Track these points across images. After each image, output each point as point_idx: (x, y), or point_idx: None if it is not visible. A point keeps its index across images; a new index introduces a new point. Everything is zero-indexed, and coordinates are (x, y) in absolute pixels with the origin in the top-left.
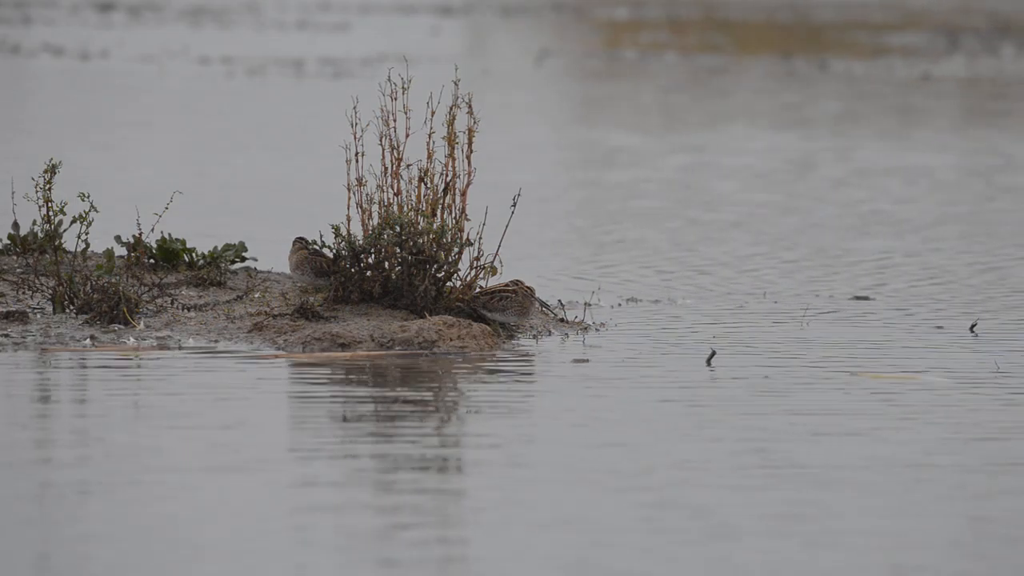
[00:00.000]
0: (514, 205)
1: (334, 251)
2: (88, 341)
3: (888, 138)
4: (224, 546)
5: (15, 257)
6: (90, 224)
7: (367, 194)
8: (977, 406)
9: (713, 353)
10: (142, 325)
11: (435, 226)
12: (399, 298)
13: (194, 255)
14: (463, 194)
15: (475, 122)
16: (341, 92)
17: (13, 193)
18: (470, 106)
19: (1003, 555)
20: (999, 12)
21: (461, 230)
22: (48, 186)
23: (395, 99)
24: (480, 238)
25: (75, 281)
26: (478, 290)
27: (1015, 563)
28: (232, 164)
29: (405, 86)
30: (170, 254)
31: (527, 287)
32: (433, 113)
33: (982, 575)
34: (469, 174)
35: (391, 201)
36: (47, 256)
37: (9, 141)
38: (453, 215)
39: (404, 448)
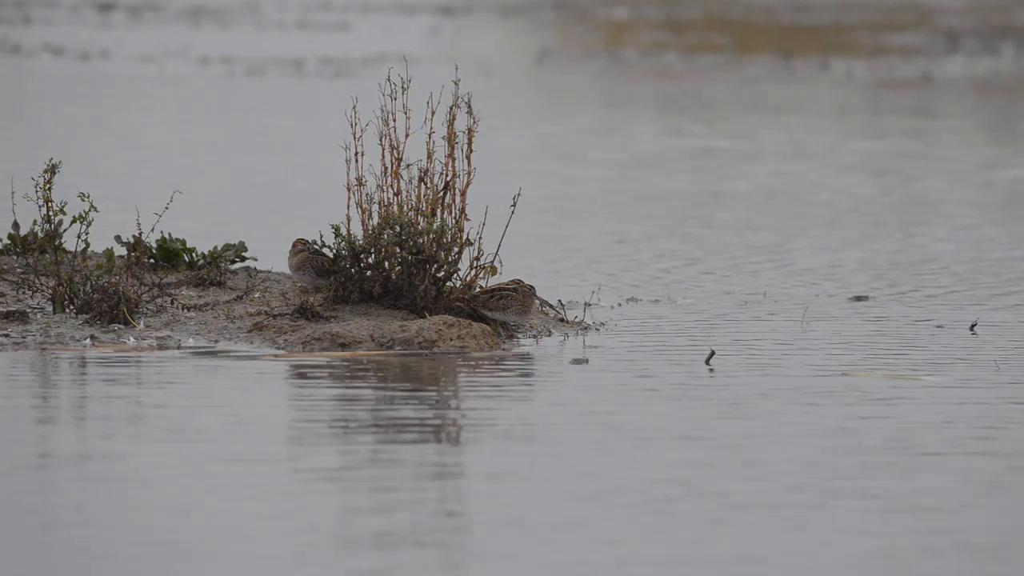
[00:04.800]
0: (514, 205)
1: (334, 251)
2: (88, 341)
3: (892, 136)
4: (223, 545)
5: (15, 257)
6: (90, 224)
7: (367, 194)
8: (977, 406)
9: (712, 353)
10: (142, 325)
11: (435, 226)
12: (399, 298)
13: (194, 255)
14: (463, 194)
15: (475, 122)
16: (341, 92)
17: (13, 193)
18: (470, 106)
19: (1010, 556)
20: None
21: (461, 230)
22: (48, 186)
23: (395, 99)
24: (480, 238)
25: (75, 281)
26: (478, 290)
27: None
28: (232, 164)
29: (405, 86)
30: (170, 254)
31: (527, 286)
32: (433, 113)
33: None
34: (469, 174)
35: (391, 201)
36: (47, 256)
37: (9, 141)
38: (453, 215)
39: (403, 448)
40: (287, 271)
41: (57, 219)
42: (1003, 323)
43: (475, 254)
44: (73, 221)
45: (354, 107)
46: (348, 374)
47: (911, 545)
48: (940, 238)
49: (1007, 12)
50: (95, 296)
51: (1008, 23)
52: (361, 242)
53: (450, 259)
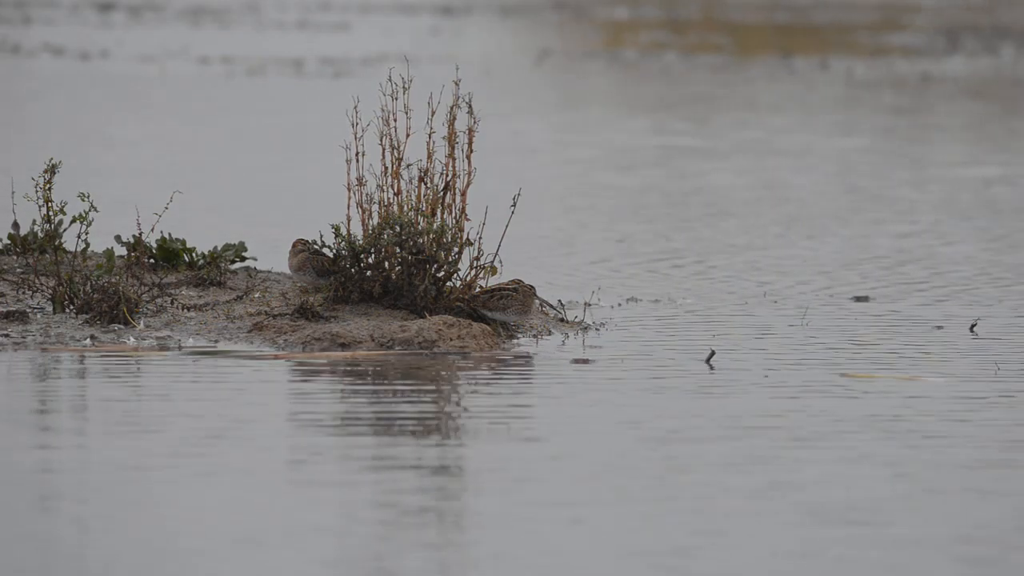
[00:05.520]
0: (514, 205)
1: (334, 251)
2: (88, 341)
3: (894, 138)
4: (223, 546)
5: (15, 257)
6: (90, 224)
7: (367, 194)
8: (977, 406)
9: (712, 353)
10: (142, 325)
11: (435, 226)
12: (399, 298)
13: (194, 255)
14: (463, 194)
15: (475, 122)
16: (341, 92)
17: (13, 193)
18: (470, 106)
19: (1009, 557)
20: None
21: (461, 230)
22: (48, 186)
23: (395, 99)
24: (480, 238)
25: (75, 281)
26: (478, 289)
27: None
28: (232, 164)
29: (406, 86)
30: (170, 254)
31: (527, 286)
32: (433, 113)
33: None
34: (469, 174)
35: (391, 201)
36: (47, 256)
37: (9, 141)
38: (453, 215)
39: (403, 449)
40: (287, 271)
41: (57, 219)
42: (1004, 323)
43: (475, 254)
44: (73, 221)
45: (355, 107)
46: (348, 374)
47: (894, 545)
48: (936, 237)
49: (986, 11)
50: (95, 296)
51: (976, 23)
52: (361, 242)
53: (450, 259)
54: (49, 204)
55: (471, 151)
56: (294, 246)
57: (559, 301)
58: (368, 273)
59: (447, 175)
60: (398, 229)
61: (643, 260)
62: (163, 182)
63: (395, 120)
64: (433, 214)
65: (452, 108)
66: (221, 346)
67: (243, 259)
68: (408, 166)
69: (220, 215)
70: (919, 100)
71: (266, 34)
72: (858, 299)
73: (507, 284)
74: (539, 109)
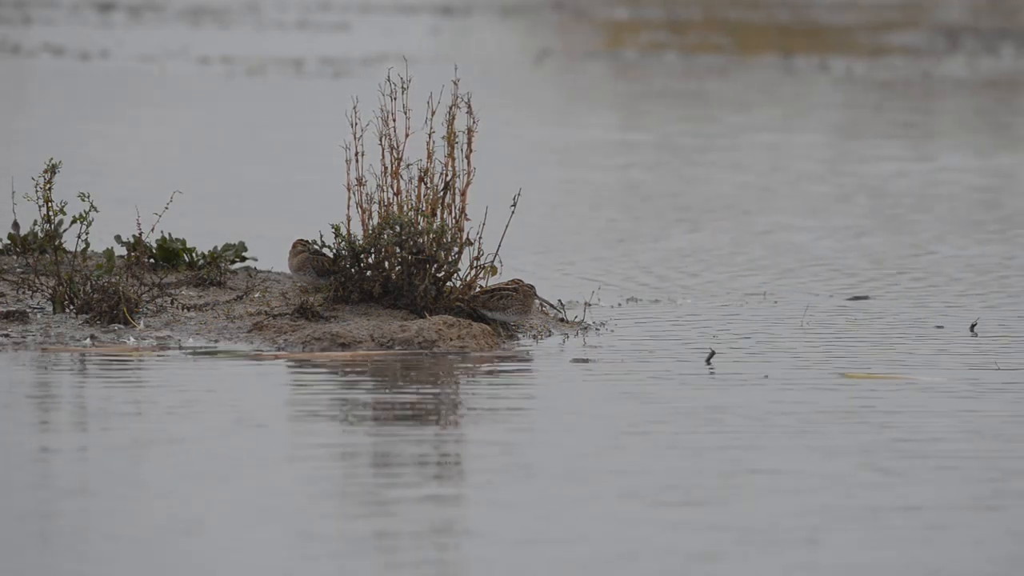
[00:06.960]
0: (514, 205)
1: (334, 251)
2: (88, 341)
3: (893, 139)
4: (223, 546)
5: (15, 257)
6: (90, 224)
7: (367, 194)
8: (977, 406)
9: (712, 353)
10: (142, 325)
11: (435, 226)
12: (399, 298)
13: (194, 255)
14: (463, 194)
15: (475, 122)
16: (341, 92)
17: (13, 193)
18: (470, 106)
19: (1009, 556)
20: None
21: (461, 230)
22: (48, 186)
23: (395, 99)
24: (480, 238)
25: (75, 281)
26: (478, 289)
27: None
28: (232, 164)
29: (405, 86)
30: (170, 254)
31: (527, 285)
32: (433, 113)
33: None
34: (469, 174)
35: (391, 201)
36: (47, 256)
37: (9, 141)
38: (453, 215)
39: (403, 449)
40: (287, 271)
41: (57, 219)
42: (1003, 323)
43: (475, 254)
44: (73, 221)
45: (354, 107)
46: (347, 374)
47: (894, 542)
48: (933, 237)
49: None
50: (95, 296)
51: (976, 23)
52: (361, 242)
53: (450, 259)
54: (49, 204)
55: (471, 151)
56: (294, 246)
57: (559, 301)
58: (368, 273)
59: (447, 175)
60: (398, 229)
61: (643, 260)
62: (163, 182)
63: (394, 120)
64: (433, 214)
65: (452, 108)
66: (221, 346)
67: (243, 259)
68: (408, 166)
69: (220, 215)
70: (908, 98)
71: (266, 34)
72: (858, 299)
73: (507, 284)
74: (545, 110)
